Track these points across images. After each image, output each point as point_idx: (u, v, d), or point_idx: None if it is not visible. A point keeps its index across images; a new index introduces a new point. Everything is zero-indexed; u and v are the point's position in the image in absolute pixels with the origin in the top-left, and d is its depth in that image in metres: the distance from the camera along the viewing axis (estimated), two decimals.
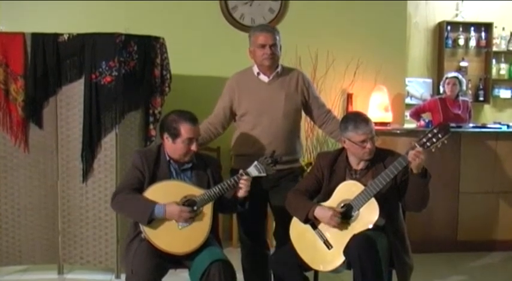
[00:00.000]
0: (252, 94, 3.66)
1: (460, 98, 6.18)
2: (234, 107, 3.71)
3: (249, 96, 3.67)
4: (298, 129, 3.82)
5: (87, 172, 4.19)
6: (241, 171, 3.27)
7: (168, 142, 3.24)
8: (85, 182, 4.21)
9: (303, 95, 3.73)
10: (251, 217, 3.68)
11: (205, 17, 5.47)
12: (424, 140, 3.02)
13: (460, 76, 6.19)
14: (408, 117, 6.19)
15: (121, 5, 5.34)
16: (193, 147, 3.21)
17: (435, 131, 3.01)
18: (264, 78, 3.69)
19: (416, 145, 3.03)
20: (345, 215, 3.14)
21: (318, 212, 3.17)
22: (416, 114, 6.17)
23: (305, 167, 4.91)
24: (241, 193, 3.23)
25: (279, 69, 3.71)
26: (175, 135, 3.20)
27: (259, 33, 3.65)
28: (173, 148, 3.23)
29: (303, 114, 3.86)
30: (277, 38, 3.66)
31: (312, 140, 5.35)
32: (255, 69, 3.71)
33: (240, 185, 3.22)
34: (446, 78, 6.19)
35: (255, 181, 3.32)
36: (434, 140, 3.00)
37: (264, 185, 3.60)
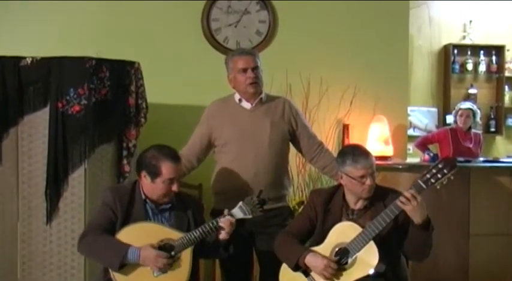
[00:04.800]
0: (233, 122, 3.71)
1: (472, 130, 6.24)
2: (214, 137, 3.75)
3: (230, 124, 3.71)
4: (285, 162, 3.85)
5: (51, 212, 4.16)
6: (226, 211, 3.29)
7: (146, 180, 3.26)
8: (49, 224, 4.18)
9: (290, 124, 3.77)
10: (235, 263, 3.69)
11: (185, 39, 5.51)
12: (428, 176, 3.05)
13: (474, 107, 6.23)
14: (411, 151, 6.23)
15: (91, 26, 5.37)
16: (174, 187, 3.24)
17: (440, 165, 3.05)
18: (246, 105, 3.74)
19: (413, 187, 3.05)
20: (341, 261, 3.16)
21: (310, 260, 3.18)
22: (423, 145, 6.18)
23: (296, 207, 4.92)
24: (222, 235, 3.24)
25: (262, 95, 3.76)
26: (155, 174, 3.22)
27: (238, 57, 3.71)
28: (152, 188, 3.25)
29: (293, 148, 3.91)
30: (258, 61, 3.72)
31: (304, 176, 5.36)
32: (237, 97, 3.76)
33: (221, 225, 3.23)
34: (460, 109, 6.24)
35: (239, 224, 3.33)
36: (439, 175, 3.03)
37: (249, 228, 3.62)
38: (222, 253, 3.35)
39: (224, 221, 3.23)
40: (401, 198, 3.03)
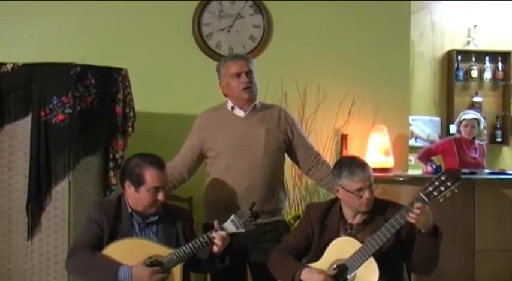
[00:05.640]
0: (226, 132, 3.71)
1: (476, 140, 6.27)
2: (206, 148, 3.76)
3: (223, 134, 3.72)
4: (281, 174, 3.86)
5: (33, 227, 4.15)
6: (215, 222, 3.29)
7: (130, 190, 3.26)
8: (30, 240, 4.16)
9: (285, 134, 3.78)
10: (228, 279, 3.69)
11: (176, 45, 5.51)
12: (431, 188, 3.06)
13: (478, 116, 6.29)
14: (413, 162, 6.23)
15: (76, 30, 5.37)
16: (160, 196, 3.24)
17: (443, 177, 3.06)
18: (239, 113, 3.75)
19: (415, 201, 3.06)
20: (339, 278, 3.15)
21: (305, 276, 3.17)
22: (426, 157, 6.22)
23: (292, 221, 4.92)
24: (215, 250, 3.24)
25: (256, 103, 3.77)
26: (139, 182, 3.22)
27: (231, 62, 3.74)
28: (136, 198, 3.25)
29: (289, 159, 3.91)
30: (252, 65, 3.74)
31: (300, 189, 5.36)
32: (229, 105, 3.78)
33: (215, 241, 3.23)
34: (464, 120, 6.27)
35: (232, 238, 3.33)
36: (442, 188, 3.04)
37: (244, 243, 3.61)
38: (218, 265, 3.35)
39: (216, 237, 3.23)
40: (412, 215, 3.03)
